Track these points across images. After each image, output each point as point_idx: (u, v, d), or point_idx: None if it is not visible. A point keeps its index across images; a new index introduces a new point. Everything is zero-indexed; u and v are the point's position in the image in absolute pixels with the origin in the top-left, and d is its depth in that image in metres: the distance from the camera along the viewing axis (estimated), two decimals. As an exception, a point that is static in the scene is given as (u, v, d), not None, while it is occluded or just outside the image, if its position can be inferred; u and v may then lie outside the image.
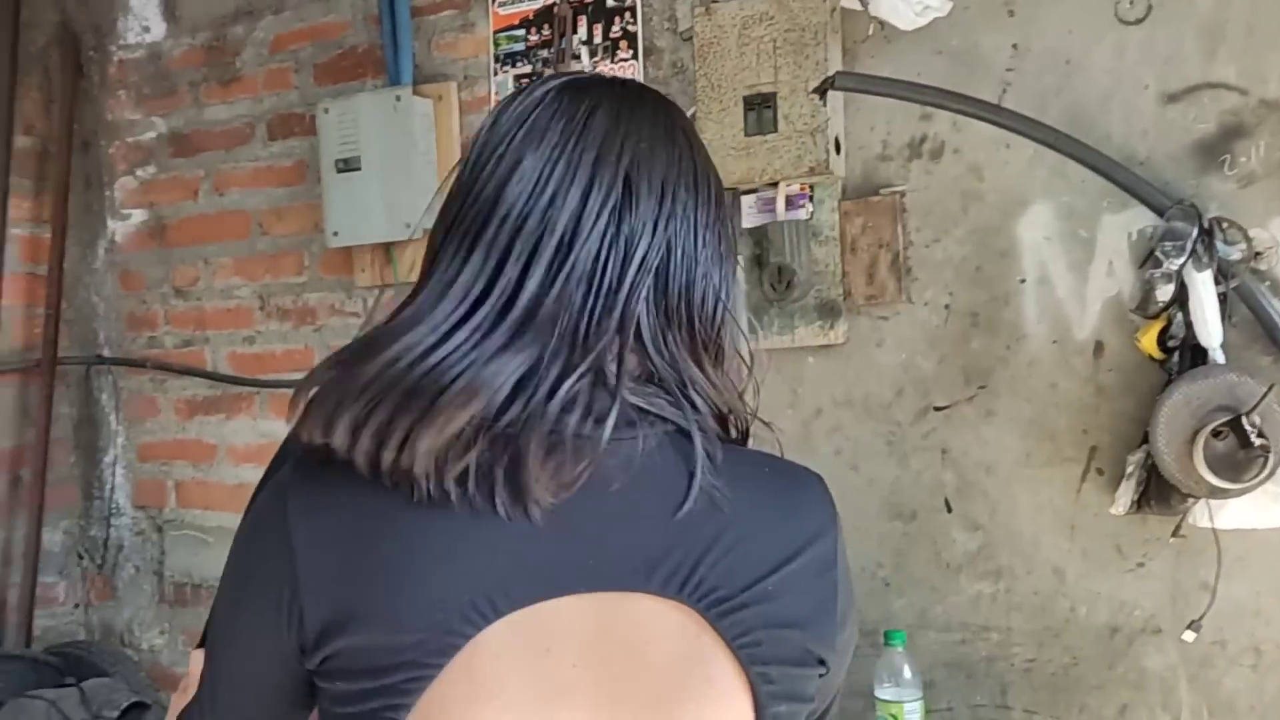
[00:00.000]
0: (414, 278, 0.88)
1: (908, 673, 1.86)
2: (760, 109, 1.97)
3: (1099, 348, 1.84)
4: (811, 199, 2.03)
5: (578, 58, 2.27)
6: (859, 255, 2.00)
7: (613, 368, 0.81)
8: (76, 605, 3.06)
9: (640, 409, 0.81)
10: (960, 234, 1.94)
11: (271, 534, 0.80)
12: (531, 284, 0.80)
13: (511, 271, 0.80)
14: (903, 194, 1.98)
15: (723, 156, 2.00)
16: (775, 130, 1.96)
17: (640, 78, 2.20)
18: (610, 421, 0.78)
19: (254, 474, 2.81)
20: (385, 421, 0.75)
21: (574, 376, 0.79)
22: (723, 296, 0.87)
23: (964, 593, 1.95)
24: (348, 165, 2.42)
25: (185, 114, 2.83)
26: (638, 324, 0.82)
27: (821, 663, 0.85)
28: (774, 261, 2.01)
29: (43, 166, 3.01)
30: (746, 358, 0.91)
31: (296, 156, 2.65)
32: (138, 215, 2.94)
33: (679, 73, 2.17)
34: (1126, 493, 1.75)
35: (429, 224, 2.21)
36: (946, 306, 1.95)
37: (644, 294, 0.83)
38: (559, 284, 0.80)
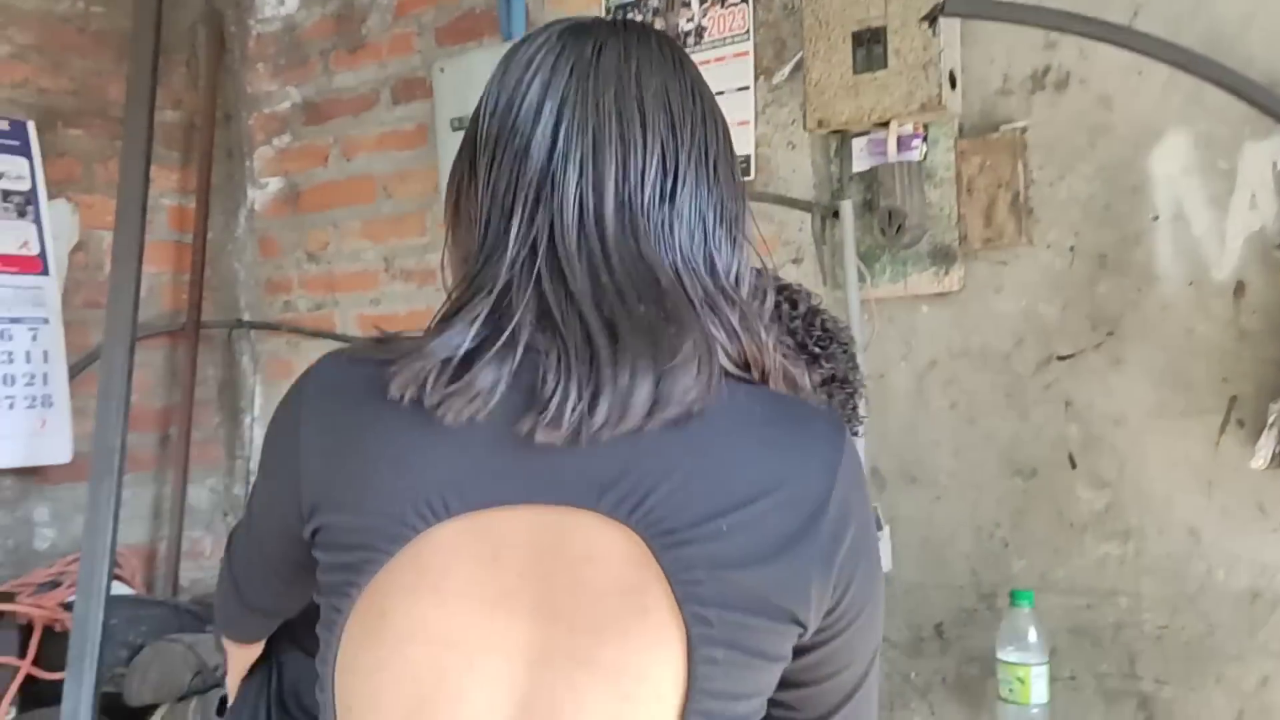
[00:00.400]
0: None
1: (1034, 635, 1.76)
2: (869, 44, 1.88)
3: (1240, 288, 1.68)
4: (926, 139, 1.93)
5: (687, 4, 2.22)
6: (976, 197, 1.89)
7: (630, 297, 0.81)
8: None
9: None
10: (1087, 170, 1.81)
11: (288, 415, 0.89)
12: (559, 228, 0.82)
13: (541, 220, 0.83)
14: (1024, 130, 1.86)
15: (830, 96, 1.92)
16: (885, 66, 1.87)
17: (750, 21, 2.14)
18: (612, 353, 0.78)
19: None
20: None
21: (590, 309, 0.80)
22: (738, 225, 0.88)
23: (1089, 554, 1.82)
24: (462, 124, 2.44)
25: (317, 83, 2.91)
26: (657, 255, 0.83)
27: (796, 621, 0.80)
28: (884, 205, 1.93)
29: (189, 139, 3.15)
30: (768, 292, 0.90)
31: (418, 120, 2.69)
32: (274, 183, 3.04)
33: (790, 14, 2.09)
34: (1268, 445, 1.60)
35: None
36: (1071, 248, 1.83)
37: (666, 224, 0.84)
38: (586, 224, 0.83)
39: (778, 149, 2.12)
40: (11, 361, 2.70)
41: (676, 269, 0.83)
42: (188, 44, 3.13)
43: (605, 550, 0.78)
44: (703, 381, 0.78)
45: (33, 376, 2.72)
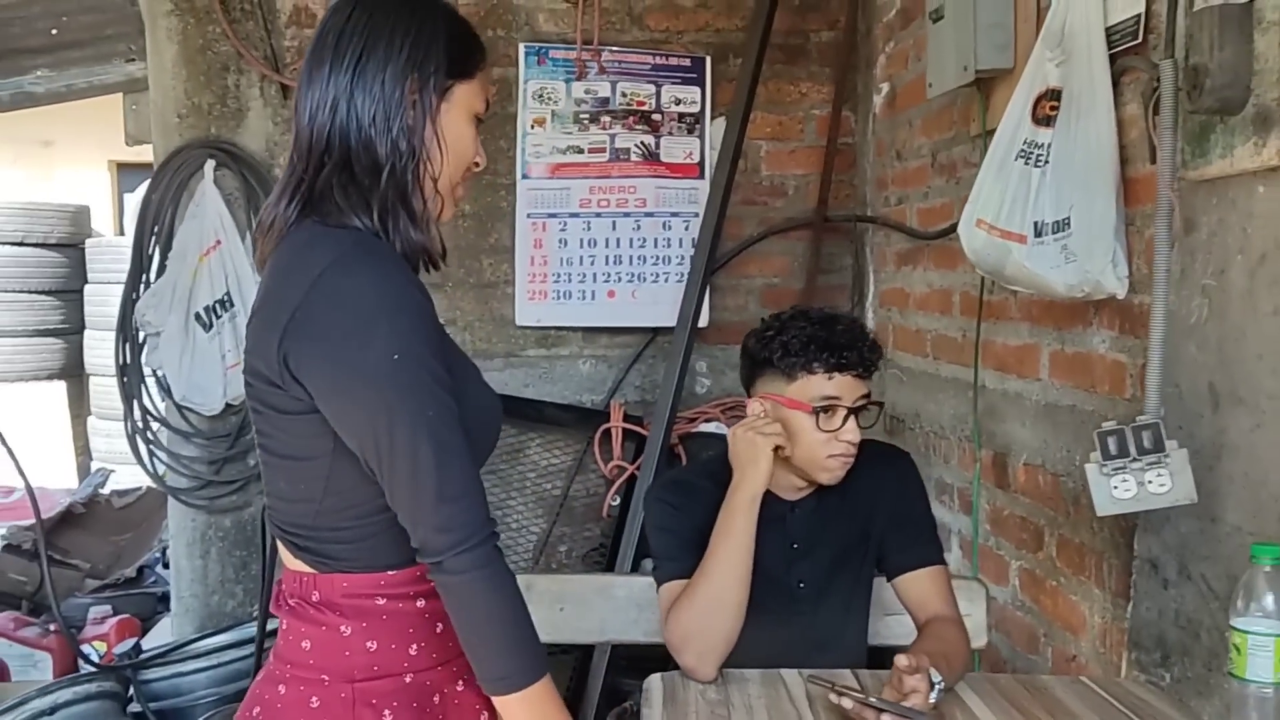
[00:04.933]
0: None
1: (1270, 600, 1.40)
2: None
3: None
4: (1258, -28, 1.52)
5: None
6: (1295, 39, 1.45)
7: None
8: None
9: None
10: None
11: None
12: None
13: None
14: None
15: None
16: (1185, -110, 1.53)
17: None
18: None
19: (923, 321, 3.28)
20: None
21: None
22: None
23: (1383, 518, 1.34)
24: (938, 14, 2.47)
25: (908, -12, 3.09)
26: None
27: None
28: (1191, 61, 1.58)
29: (841, 55, 3.56)
30: None
31: (953, 14, 2.73)
32: (885, 88, 3.31)
33: None
34: None
35: (990, 63, 2.59)
36: (1393, 99, 1.32)
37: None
38: None
39: (1163, 3, 1.81)
40: (669, 245, 3.50)
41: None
42: (846, -30, 3.52)
43: None
44: None
45: (684, 258, 3.49)
